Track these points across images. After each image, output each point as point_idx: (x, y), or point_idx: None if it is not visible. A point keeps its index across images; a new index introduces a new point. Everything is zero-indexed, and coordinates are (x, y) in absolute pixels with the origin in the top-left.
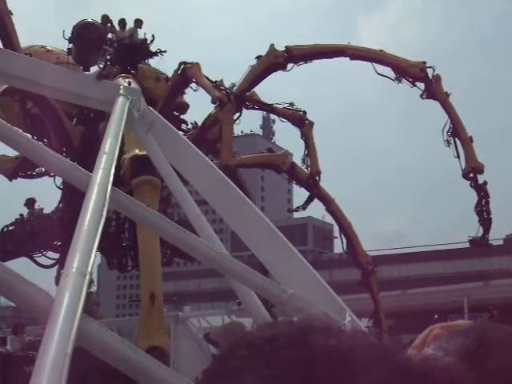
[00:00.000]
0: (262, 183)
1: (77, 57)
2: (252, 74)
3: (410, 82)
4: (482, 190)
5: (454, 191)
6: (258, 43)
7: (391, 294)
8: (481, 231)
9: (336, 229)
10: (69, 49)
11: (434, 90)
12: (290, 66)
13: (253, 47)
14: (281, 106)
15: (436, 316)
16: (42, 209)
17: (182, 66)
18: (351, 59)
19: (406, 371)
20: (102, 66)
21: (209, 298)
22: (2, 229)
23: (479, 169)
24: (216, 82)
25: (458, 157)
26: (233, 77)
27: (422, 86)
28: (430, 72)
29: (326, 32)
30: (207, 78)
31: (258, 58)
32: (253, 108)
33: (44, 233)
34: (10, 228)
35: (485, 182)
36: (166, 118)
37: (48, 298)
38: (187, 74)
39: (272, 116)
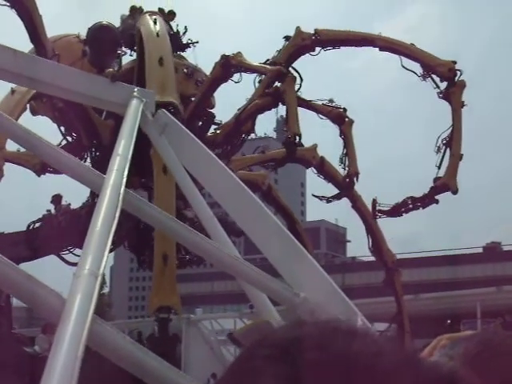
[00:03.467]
0: (275, 186)
1: (92, 59)
2: (279, 60)
3: (434, 81)
4: (430, 203)
5: (467, 198)
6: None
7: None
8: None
9: (349, 232)
10: (84, 51)
11: (452, 93)
12: (317, 50)
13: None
14: (320, 103)
15: (449, 321)
16: (70, 204)
17: (225, 58)
18: (380, 50)
19: (431, 380)
20: (116, 68)
21: (221, 300)
22: (28, 225)
23: (451, 188)
24: (268, 60)
25: (439, 167)
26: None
27: (444, 85)
28: (457, 74)
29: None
30: None
31: (286, 38)
32: None
33: (71, 229)
34: (37, 225)
35: (436, 201)
36: (201, 113)
37: (60, 300)
38: (231, 62)
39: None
